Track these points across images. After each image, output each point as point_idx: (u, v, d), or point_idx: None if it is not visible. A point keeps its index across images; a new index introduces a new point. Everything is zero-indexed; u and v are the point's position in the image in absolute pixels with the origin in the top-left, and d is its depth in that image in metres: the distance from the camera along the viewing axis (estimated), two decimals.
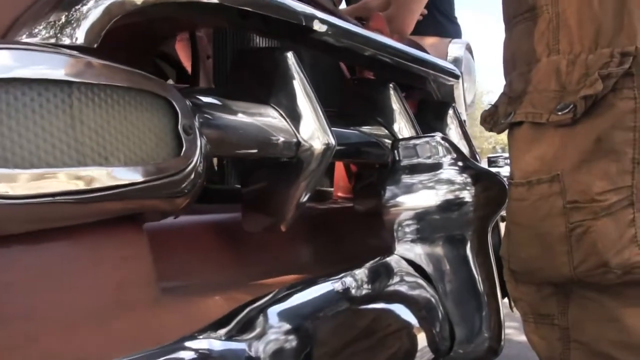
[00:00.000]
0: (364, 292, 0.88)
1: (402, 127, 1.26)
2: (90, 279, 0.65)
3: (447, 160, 1.05)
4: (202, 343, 0.61)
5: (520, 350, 2.36)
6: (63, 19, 0.67)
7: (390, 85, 1.26)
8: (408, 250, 1.04)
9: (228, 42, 1.34)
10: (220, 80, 1.32)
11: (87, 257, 0.66)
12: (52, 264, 0.63)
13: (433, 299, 1.01)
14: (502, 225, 1.06)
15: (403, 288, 0.98)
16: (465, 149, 1.43)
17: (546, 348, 0.91)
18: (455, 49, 1.92)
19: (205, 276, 0.93)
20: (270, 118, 0.90)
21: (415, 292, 0.99)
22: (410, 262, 1.03)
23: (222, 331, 0.65)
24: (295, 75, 0.91)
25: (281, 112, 0.92)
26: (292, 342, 0.71)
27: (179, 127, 0.71)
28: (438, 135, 1.07)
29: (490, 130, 0.98)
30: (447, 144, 1.06)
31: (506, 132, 0.97)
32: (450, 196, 1.03)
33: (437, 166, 1.05)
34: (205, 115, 0.80)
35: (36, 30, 0.67)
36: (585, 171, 0.82)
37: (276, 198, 0.95)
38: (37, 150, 0.57)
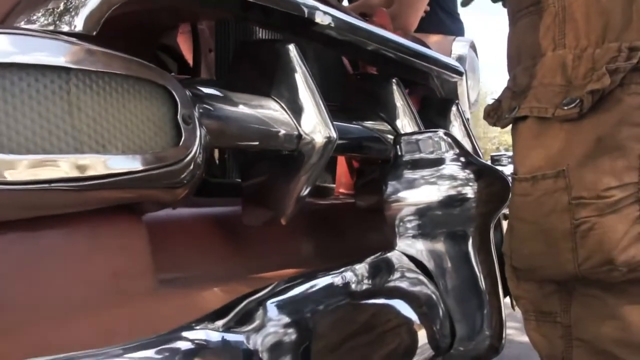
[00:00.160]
0: (364, 287, 0.87)
1: (405, 122, 1.25)
2: (87, 267, 0.65)
3: (449, 155, 1.04)
4: (199, 333, 0.60)
5: (521, 350, 2.35)
6: (62, 6, 0.66)
7: (393, 80, 1.25)
8: (409, 246, 1.03)
9: (230, 35, 1.33)
10: (222, 74, 1.31)
11: (84, 246, 0.66)
12: (48, 252, 0.63)
13: (434, 296, 1.00)
14: (505, 224, 1.05)
15: (404, 284, 0.97)
16: (468, 147, 1.42)
17: (548, 346, 0.90)
18: (459, 47, 1.90)
19: (205, 269, 0.92)
20: (272, 110, 0.89)
21: (416, 288, 0.98)
22: (412, 258, 1.02)
23: (220, 322, 0.64)
24: (297, 67, 0.91)
25: (282, 104, 0.91)
26: (290, 335, 0.71)
27: (178, 116, 0.70)
28: (441, 131, 1.06)
29: (494, 124, 0.97)
30: (449, 140, 1.05)
31: (510, 133, 0.96)
32: (452, 192, 1.02)
33: (439, 161, 1.04)
34: (205, 105, 0.79)
35: (34, 17, 0.67)
36: (591, 167, 0.81)
37: (276, 191, 0.94)
38: (34, 136, 0.56)
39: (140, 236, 0.73)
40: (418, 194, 1.03)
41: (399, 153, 1.06)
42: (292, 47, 0.91)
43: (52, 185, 0.57)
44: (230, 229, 1.04)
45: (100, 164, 0.61)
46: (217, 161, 1.35)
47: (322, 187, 1.55)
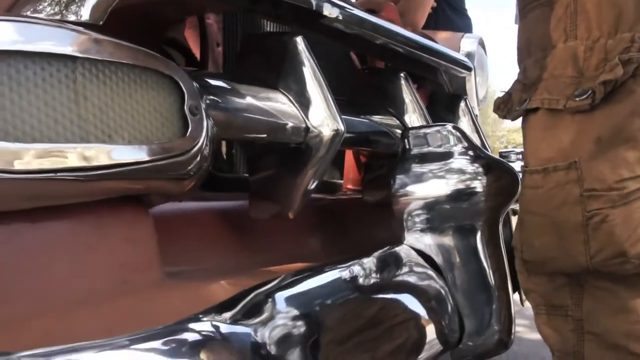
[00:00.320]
0: (372, 281, 0.87)
1: (413, 117, 1.24)
2: (94, 258, 0.64)
3: (458, 149, 1.03)
4: (206, 325, 0.59)
5: (530, 348, 2.34)
6: None
7: (401, 74, 1.24)
8: (418, 240, 1.02)
9: (238, 30, 1.32)
10: (229, 68, 1.30)
11: (91, 237, 0.65)
12: (55, 243, 0.62)
13: (442, 290, 0.99)
14: (514, 220, 1.04)
15: (412, 278, 0.96)
16: (477, 143, 1.41)
17: (559, 340, 0.90)
18: (467, 43, 1.90)
19: (212, 262, 0.92)
20: (279, 103, 0.88)
21: (425, 283, 0.97)
22: (420, 252, 1.01)
23: (227, 314, 0.64)
24: (305, 60, 0.90)
25: (290, 97, 0.90)
26: (298, 328, 0.70)
27: (185, 107, 0.70)
28: (449, 125, 1.05)
29: (504, 117, 0.96)
30: (458, 133, 1.04)
31: (518, 132, 0.95)
32: (461, 186, 1.01)
33: (447, 155, 1.03)
34: (212, 97, 0.78)
35: (41, 7, 0.66)
36: (603, 159, 0.80)
37: (284, 185, 0.93)
38: (39, 124, 0.56)
39: (147, 228, 0.72)
40: (426, 187, 1.02)
41: (407, 147, 1.05)
42: (299, 40, 0.90)
43: (58, 174, 0.56)
44: (237, 222, 1.03)
45: (106, 154, 0.60)
46: (224, 156, 1.34)
47: (330, 183, 1.54)
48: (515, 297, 1.07)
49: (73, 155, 0.58)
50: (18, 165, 0.53)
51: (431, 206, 1.01)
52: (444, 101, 1.53)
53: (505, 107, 0.97)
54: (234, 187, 1.19)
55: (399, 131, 1.20)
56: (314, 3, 0.95)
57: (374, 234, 1.31)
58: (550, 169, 0.84)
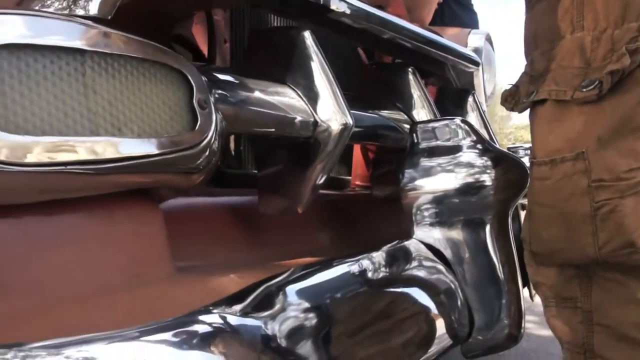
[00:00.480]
0: (381, 275, 0.87)
1: (421, 111, 1.24)
2: (103, 252, 0.64)
3: (466, 143, 1.03)
4: (216, 317, 0.60)
5: (539, 344, 2.34)
6: None
7: (409, 69, 1.24)
8: (427, 235, 1.02)
9: (246, 26, 1.32)
10: (237, 64, 1.31)
11: (100, 230, 0.65)
12: (65, 236, 0.62)
13: (452, 284, 0.99)
14: (523, 214, 1.03)
15: (421, 272, 0.96)
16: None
17: (568, 332, 0.89)
18: (475, 39, 1.89)
19: (222, 257, 0.92)
20: (287, 97, 0.89)
21: (434, 277, 0.97)
22: (429, 246, 1.01)
23: (237, 307, 0.64)
24: (313, 55, 0.90)
25: (298, 91, 0.90)
26: (308, 321, 0.70)
27: (194, 101, 0.70)
28: (457, 118, 1.05)
29: (512, 109, 0.96)
30: (466, 127, 1.04)
31: (526, 129, 0.94)
32: (469, 179, 1.01)
33: (456, 149, 1.02)
34: (221, 91, 0.78)
35: (50, 1, 0.67)
36: (611, 149, 0.80)
37: (292, 180, 0.93)
38: (49, 118, 0.56)
39: (158, 223, 0.72)
40: (435, 181, 1.02)
41: (416, 141, 1.05)
42: (307, 34, 0.90)
43: (68, 167, 0.57)
44: (247, 217, 1.03)
45: (115, 147, 0.61)
46: (232, 153, 1.35)
47: (338, 179, 1.54)
48: (524, 292, 1.07)
49: (83, 149, 0.58)
50: (29, 158, 0.54)
51: (440, 200, 1.01)
52: (452, 96, 1.53)
53: (512, 99, 0.96)
54: (242, 183, 1.20)
55: (407, 126, 1.20)
56: None
57: (383, 229, 1.31)
58: (557, 160, 0.84)
